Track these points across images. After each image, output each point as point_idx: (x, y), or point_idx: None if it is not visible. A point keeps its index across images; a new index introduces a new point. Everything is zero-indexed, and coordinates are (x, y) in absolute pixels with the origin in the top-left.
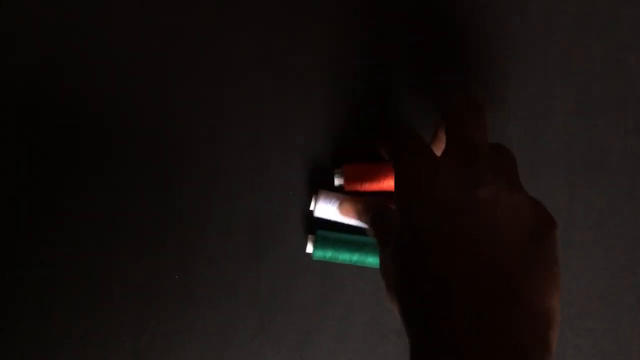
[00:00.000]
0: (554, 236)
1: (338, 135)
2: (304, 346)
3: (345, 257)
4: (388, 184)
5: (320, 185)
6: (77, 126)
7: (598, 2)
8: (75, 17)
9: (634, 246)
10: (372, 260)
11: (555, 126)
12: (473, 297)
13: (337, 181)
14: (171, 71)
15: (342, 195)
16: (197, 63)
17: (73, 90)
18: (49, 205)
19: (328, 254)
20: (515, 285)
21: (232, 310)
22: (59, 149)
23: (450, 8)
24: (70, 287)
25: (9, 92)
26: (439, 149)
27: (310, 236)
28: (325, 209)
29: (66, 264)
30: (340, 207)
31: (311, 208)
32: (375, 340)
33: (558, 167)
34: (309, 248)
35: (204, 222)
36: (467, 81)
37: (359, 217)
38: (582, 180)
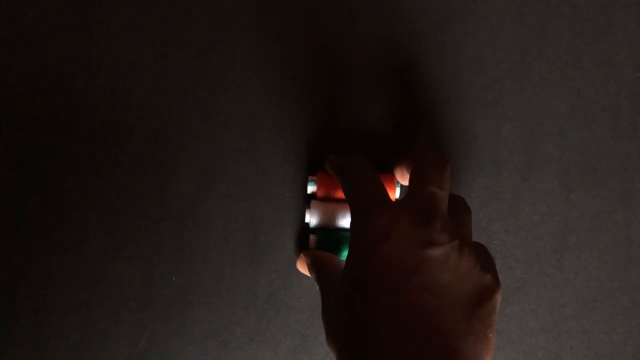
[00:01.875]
0: (494, 300)
1: (333, 140)
2: (301, 349)
3: (345, 255)
4: None
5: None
6: (73, 128)
7: (592, 7)
8: (74, 20)
9: (627, 248)
10: None
11: (550, 129)
12: (411, 355)
13: (310, 188)
14: (169, 74)
15: (336, 204)
16: (196, 66)
17: (70, 93)
18: (45, 208)
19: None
20: (453, 348)
21: (230, 314)
22: (55, 152)
23: (443, 12)
24: (66, 290)
25: (4, 93)
26: (400, 178)
27: (312, 236)
28: (320, 219)
29: (62, 267)
30: (298, 262)
31: (306, 220)
32: None
33: (552, 170)
34: (312, 246)
35: (201, 225)
36: (463, 85)
37: (310, 271)
38: (577, 184)
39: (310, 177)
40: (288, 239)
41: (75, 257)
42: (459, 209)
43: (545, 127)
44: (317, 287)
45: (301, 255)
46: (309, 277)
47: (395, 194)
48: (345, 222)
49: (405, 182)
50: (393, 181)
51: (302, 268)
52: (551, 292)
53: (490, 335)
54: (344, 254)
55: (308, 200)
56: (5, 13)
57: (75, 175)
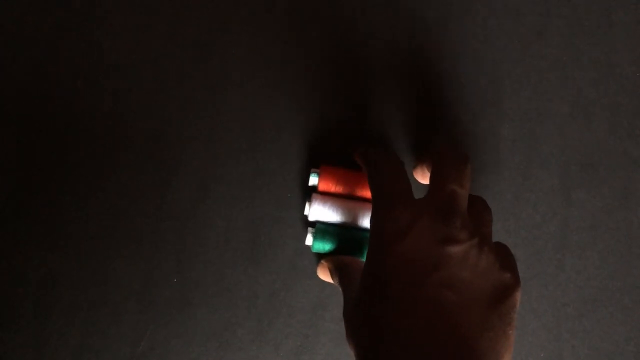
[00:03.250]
0: (514, 298)
1: (333, 139)
2: (302, 350)
3: (345, 251)
4: (360, 191)
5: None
6: (73, 129)
7: (591, 7)
8: (73, 20)
9: (629, 248)
10: None
11: (550, 129)
12: (430, 353)
13: (312, 180)
14: (169, 74)
15: (336, 198)
16: (195, 68)
17: (70, 93)
18: (45, 208)
19: (327, 247)
20: (471, 344)
21: (230, 314)
22: (55, 153)
23: (443, 12)
24: (66, 290)
25: (4, 94)
26: (421, 178)
27: (310, 229)
28: (320, 212)
29: (62, 267)
30: (318, 269)
31: (305, 212)
32: None
33: (553, 170)
34: (309, 240)
35: (202, 225)
36: (463, 86)
37: (332, 276)
38: (577, 183)
39: (312, 170)
40: (288, 239)
41: (75, 257)
42: (479, 209)
43: (545, 127)
44: (341, 290)
45: (322, 262)
46: (310, 278)
47: None
48: (344, 217)
49: (426, 182)
50: None
51: (324, 275)
52: (552, 292)
53: (510, 332)
54: (340, 251)
55: (309, 193)
56: (5, 13)
57: (75, 175)
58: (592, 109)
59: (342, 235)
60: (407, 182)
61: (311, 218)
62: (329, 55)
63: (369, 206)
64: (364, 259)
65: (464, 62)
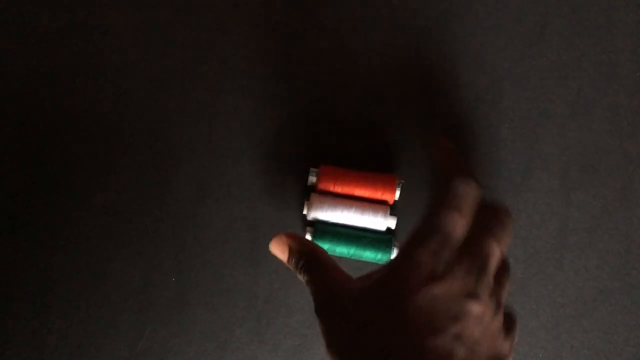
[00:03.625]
0: None
1: (332, 139)
2: (301, 350)
3: (342, 250)
4: (359, 191)
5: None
6: (73, 129)
7: (591, 8)
8: (73, 21)
9: (627, 248)
10: (369, 255)
11: (550, 129)
12: None
13: (311, 179)
14: (169, 75)
15: (334, 198)
16: (195, 67)
17: (70, 94)
18: (45, 210)
19: (325, 246)
20: None
21: (229, 314)
22: (55, 154)
23: (443, 12)
24: (66, 290)
25: (4, 95)
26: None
27: (308, 228)
28: (318, 212)
29: (62, 267)
30: (273, 242)
31: (304, 212)
32: None
33: (553, 170)
34: (307, 239)
35: (201, 226)
36: (463, 85)
37: (293, 259)
38: (577, 183)
39: (311, 169)
40: None
41: (75, 257)
42: (501, 269)
43: (545, 127)
44: (304, 280)
45: (280, 235)
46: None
47: (396, 195)
48: (343, 216)
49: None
50: (394, 182)
51: (277, 249)
52: (551, 292)
53: None
54: (338, 250)
55: (308, 193)
56: (5, 14)
57: (75, 175)
58: (592, 110)
59: (341, 234)
60: (468, 218)
61: (310, 217)
62: (328, 55)
63: (368, 205)
64: (362, 259)
65: (464, 62)
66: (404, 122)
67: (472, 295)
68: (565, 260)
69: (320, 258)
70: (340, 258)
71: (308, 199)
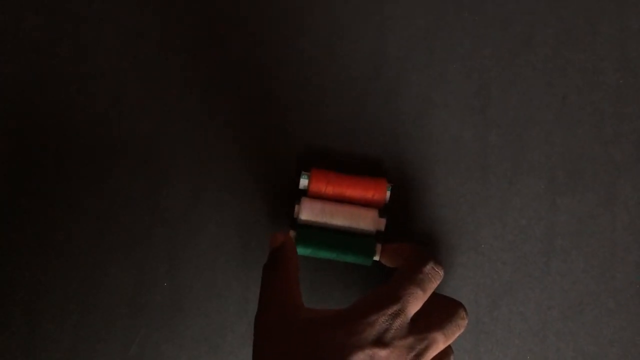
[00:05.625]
0: None
1: (324, 143)
2: None
3: (325, 253)
4: (350, 192)
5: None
6: (67, 133)
7: (576, 17)
8: (68, 23)
9: (613, 252)
10: (352, 258)
11: (536, 136)
12: None
13: (303, 182)
14: (162, 79)
15: (325, 201)
16: (187, 73)
17: (64, 98)
18: (38, 214)
19: (309, 250)
20: None
21: (221, 319)
22: (47, 159)
23: (432, 21)
24: (58, 295)
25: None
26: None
27: (291, 232)
28: (309, 215)
29: (54, 272)
30: (277, 234)
31: (295, 215)
32: None
33: (539, 176)
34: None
35: (193, 230)
36: (450, 92)
37: (274, 256)
38: (563, 188)
39: (303, 172)
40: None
41: (67, 262)
42: (443, 353)
43: (531, 133)
44: (262, 283)
45: (281, 237)
46: (300, 282)
47: (386, 197)
48: (333, 220)
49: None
50: (383, 185)
51: (273, 242)
52: (538, 295)
53: None
54: (321, 253)
55: (299, 196)
56: (1, 16)
57: (67, 180)
58: (578, 116)
59: (324, 237)
60: (420, 305)
61: (300, 220)
62: (321, 60)
63: (359, 209)
64: (346, 260)
65: (452, 69)
66: (392, 127)
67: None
68: (552, 263)
69: (286, 262)
70: (331, 274)
71: (299, 203)
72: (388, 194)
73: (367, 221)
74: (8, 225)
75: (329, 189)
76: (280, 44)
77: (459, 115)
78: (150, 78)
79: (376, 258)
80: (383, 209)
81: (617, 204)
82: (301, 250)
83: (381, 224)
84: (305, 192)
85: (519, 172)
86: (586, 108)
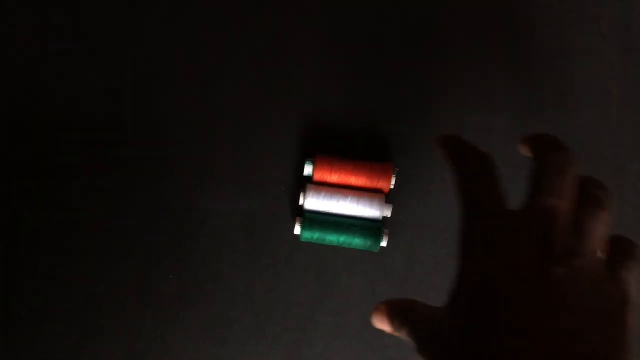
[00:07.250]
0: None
1: (326, 133)
2: (301, 343)
3: (332, 238)
4: (355, 179)
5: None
6: (69, 128)
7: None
8: (67, 19)
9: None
10: (359, 242)
11: (539, 122)
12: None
13: (307, 170)
14: (163, 73)
15: (330, 188)
16: (189, 65)
17: (67, 92)
18: (44, 209)
19: (315, 235)
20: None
21: (228, 310)
22: (51, 154)
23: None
24: (64, 290)
25: (1, 94)
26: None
27: (298, 218)
28: (315, 202)
29: (60, 267)
30: (374, 316)
31: (300, 202)
32: (371, 335)
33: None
34: (297, 230)
35: (199, 223)
36: (462, 77)
37: (393, 323)
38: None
39: (308, 160)
40: (285, 234)
41: (73, 257)
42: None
43: (539, 118)
44: (406, 333)
45: (377, 308)
46: (306, 271)
47: (391, 183)
48: (339, 206)
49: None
50: (389, 170)
51: (380, 322)
52: None
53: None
54: (328, 238)
55: (304, 184)
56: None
57: (72, 176)
58: (581, 103)
59: (330, 222)
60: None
61: (306, 208)
62: (321, 53)
63: (364, 194)
64: (352, 246)
65: (460, 54)
66: (394, 114)
67: (548, 264)
68: None
69: (416, 315)
70: (337, 263)
71: (304, 190)
72: (394, 179)
73: (373, 207)
74: (13, 222)
75: (334, 177)
76: (282, 32)
77: (463, 101)
78: (151, 71)
79: (383, 244)
80: (389, 195)
81: (618, 200)
82: (307, 236)
83: (388, 209)
84: (310, 179)
85: (517, 169)
86: (588, 95)
